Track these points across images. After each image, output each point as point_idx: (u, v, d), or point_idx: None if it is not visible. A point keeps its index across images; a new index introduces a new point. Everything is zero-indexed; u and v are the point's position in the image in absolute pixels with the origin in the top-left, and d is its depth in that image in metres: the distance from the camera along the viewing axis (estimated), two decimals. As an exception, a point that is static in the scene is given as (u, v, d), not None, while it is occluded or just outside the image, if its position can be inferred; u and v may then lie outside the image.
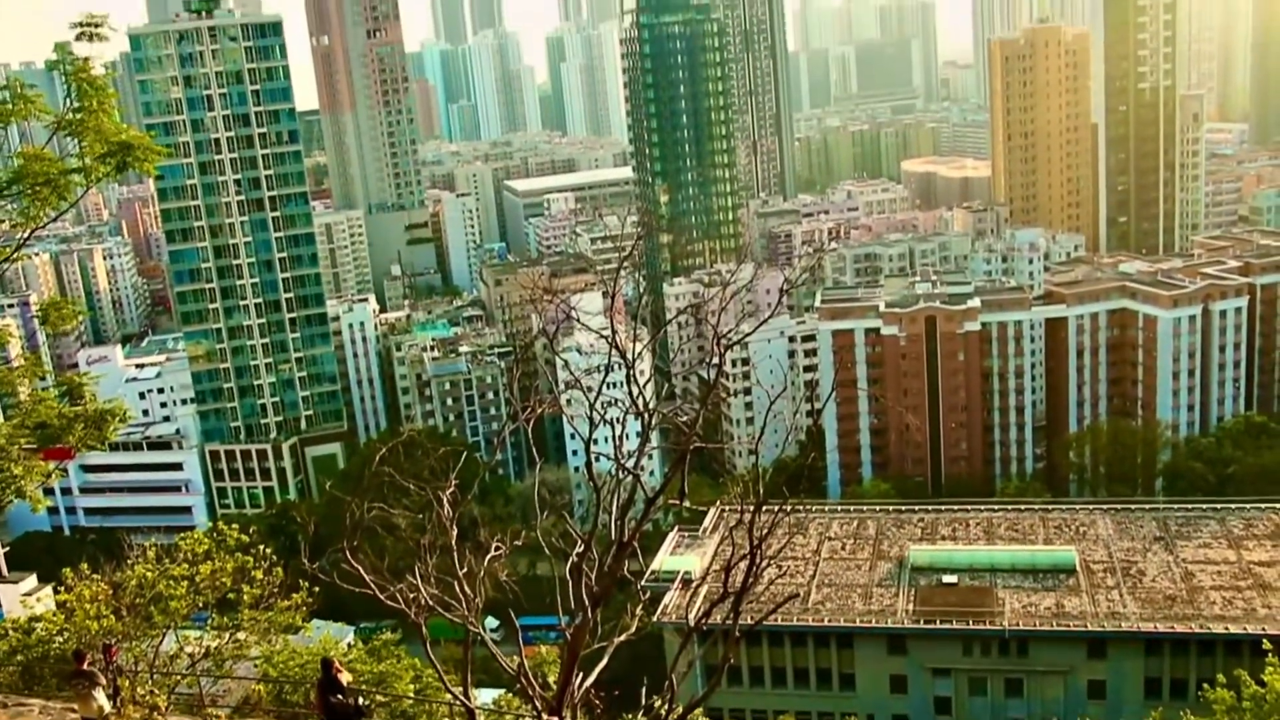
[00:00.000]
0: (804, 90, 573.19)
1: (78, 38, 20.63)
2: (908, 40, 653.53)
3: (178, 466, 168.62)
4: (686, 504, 18.59)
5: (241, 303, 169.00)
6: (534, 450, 22.15)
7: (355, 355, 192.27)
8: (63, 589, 24.96)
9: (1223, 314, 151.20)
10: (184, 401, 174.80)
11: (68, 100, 20.64)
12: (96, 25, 20.59)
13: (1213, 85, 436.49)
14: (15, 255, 21.76)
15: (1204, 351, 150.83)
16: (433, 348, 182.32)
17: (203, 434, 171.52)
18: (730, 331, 18.77)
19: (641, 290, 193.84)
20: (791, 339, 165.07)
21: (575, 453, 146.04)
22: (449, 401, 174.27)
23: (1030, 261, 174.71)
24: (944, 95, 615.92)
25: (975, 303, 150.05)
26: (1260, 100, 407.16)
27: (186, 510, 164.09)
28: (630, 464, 17.53)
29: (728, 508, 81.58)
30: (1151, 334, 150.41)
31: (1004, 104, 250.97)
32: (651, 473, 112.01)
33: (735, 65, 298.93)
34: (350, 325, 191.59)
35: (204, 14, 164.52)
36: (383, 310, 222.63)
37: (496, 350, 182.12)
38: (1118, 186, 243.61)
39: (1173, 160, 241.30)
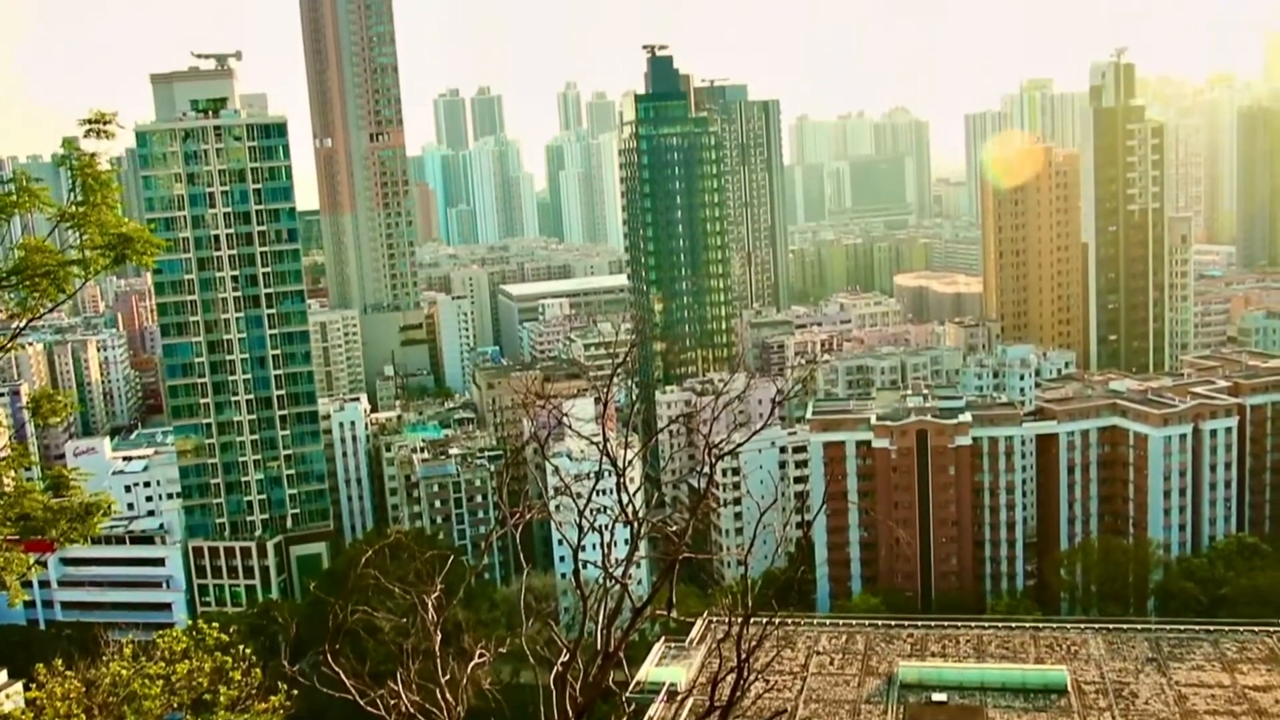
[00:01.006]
0: (799, 203, 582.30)
1: (86, 134, 20.92)
2: (901, 157, 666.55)
3: (159, 562, 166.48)
4: (674, 614, 18.37)
5: (233, 398, 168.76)
6: (521, 555, 21.95)
7: (344, 454, 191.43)
8: (34, 685, 24.43)
9: (1213, 433, 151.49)
10: (170, 496, 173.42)
11: (72, 193, 20.85)
12: (105, 122, 20.89)
13: (1200, 208, 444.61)
14: (10, 345, 21.76)
15: (1195, 470, 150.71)
16: (422, 449, 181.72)
17: (187, 529, 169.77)
18: (722, 441, 18.76)
19: (634, 398, 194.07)
20: (783, 450, 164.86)
21: (563, 559, 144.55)
22: (437, 503, 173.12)
23: (1021, 377, 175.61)
24: (936, 211, 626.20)
25: (967, 417, 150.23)
26: (1247, 223, 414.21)
27: (166, 607, 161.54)
28: (618, 572, 17.36)
29: (716, 619, 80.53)
30: (1142, 452, 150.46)
31: (995, 222, 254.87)
32: (639, 582, 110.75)
33: (731, 177, 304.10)
34: (341, 424, 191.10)
35: (210, 113, 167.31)
36: (374, 410, 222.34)
37: (487, 454, 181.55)
38: (1108, 305, 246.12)
39: (1162, 280, 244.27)
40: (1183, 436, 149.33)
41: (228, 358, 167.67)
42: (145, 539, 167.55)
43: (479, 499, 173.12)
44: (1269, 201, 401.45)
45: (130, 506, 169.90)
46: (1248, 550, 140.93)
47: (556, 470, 21.05)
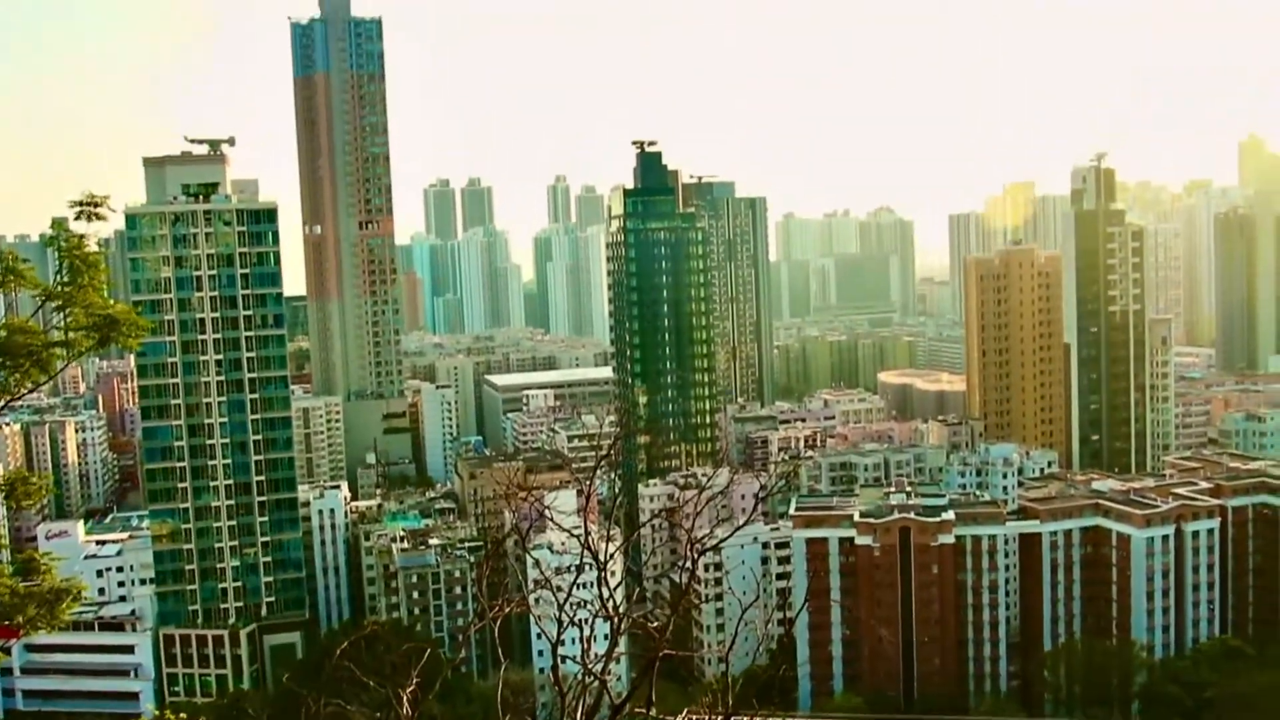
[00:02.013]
0: (784, 299, 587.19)
1: (77, 216, 20.97)
2: (886, 256, 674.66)
3: (129, 649, 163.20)
4: (654, 712, 18.03)
5: (211, 483, 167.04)
6: (500, 649, 21.54)
7: (323, 542, 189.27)
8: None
9: (1195, 535, 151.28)
10: (143, 581, 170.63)
11: (58, 274, 20.82)
12: (96, 205, 20.96)
13: (1179, 311, 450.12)
14: (-13, 426, 21.54)
15: (1178, 572, 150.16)
16: (402, 539, 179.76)
17: (159, 616, 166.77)
18: (704, 536, 18.62)
19: (616, 491, 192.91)
20: (765, 545, 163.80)
21: (541, 653, 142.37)
22: (415, 594, 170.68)
23: (1004, 476, 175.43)
24: (921, 310, 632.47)
25: (950, 515, 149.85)
26: (1225, 326, 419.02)
27: (133, 696, 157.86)
28: (597, 668, 17.08)
29: (696, 717, 79.15)
30: (1125, 552, 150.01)
31: (979, 321, 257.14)
32: (619, 678, 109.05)
33: (718, 273, 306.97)
34: (320, 512, 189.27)
35: (201, 198, 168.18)
36: (354, 498, 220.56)
37: (467, 544, 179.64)
38: (1090, 405, 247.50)
39: (1143, 381, 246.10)
40: (1165, 538, 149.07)
41: (208, 442, 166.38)
42: (115, 625, 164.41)
43: (458, 590, 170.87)
44: (1246, 305, 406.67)
45: (101, 591, 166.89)
46: (1232, 653, 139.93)
47: (537, 563, 20.85)
